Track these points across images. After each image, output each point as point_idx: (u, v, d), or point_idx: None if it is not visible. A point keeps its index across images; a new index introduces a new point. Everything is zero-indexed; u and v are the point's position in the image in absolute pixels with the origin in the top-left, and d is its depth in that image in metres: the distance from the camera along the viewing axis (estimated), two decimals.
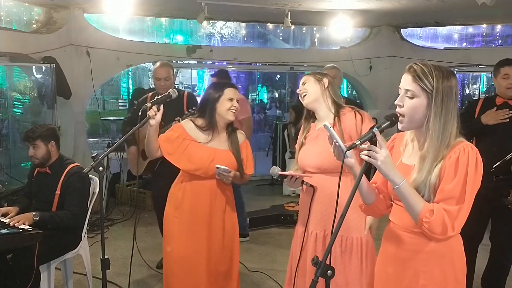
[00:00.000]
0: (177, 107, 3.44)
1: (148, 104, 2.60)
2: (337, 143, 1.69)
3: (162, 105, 2.56)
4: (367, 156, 1.57)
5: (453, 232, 1.58)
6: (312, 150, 2.41)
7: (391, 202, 1.83)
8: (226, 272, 2.76)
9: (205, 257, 2.69)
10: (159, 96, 2.67)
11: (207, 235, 2.70)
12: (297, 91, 2.48)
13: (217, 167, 2.55)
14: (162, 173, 3.93)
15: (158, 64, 3.87)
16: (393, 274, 1.78)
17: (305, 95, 2.44)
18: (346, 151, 1.62)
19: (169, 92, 2.61)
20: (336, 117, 2.40)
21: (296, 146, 2.60)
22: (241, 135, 2.78)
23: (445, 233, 1.57)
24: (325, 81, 2.43)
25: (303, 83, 2.47)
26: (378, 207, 1.84)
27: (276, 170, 2.35)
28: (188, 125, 2.70)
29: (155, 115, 2.51)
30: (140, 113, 2.58)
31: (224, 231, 2.74)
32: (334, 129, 2.32)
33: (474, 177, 1.58)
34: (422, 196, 1.61)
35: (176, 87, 4.10)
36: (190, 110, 2.98)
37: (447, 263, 1.68)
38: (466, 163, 1.58)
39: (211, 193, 2.70)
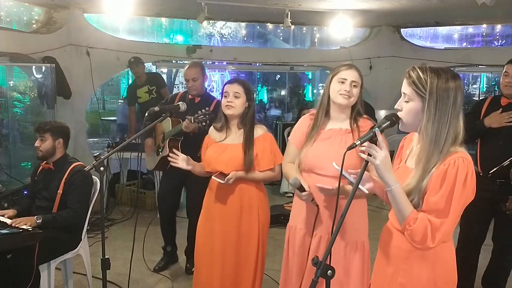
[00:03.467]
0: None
1: (156, 108, 2.63)
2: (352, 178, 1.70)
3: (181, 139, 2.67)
4: (367, 154, 1.58)
5: (433, 243, 1.56)
6: (325, 153, 2.29)
7: None
8: (238, 274, 2.73)
9: (220, 255, 2.70)
10: (170, 104, 2.72)
11: (221, 233, 2.71)
12: (344, 91, 2.27)
13: (212, 178, 2.60)
14: (172, 174, 3.90)
15: (187, 65, 3.78)
16: (381, 270, 1.79)
17: (350, 94, 2.29)
18: (346, 152, 1.62)
19: (178, 104, 2.67)
20: (354, 123, 2.33)
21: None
22: (258, 129, 2.69)
23: (424, 243, 1.57)
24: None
25: (354, 85, 2.29)
26: None
27: (298, 182, 2.19)
28: (211, 130, 2.80)
29: (176, 160, 2.66)
30: (146, 114, 2.61)
31: (240, 232, 2.71)
32: (353, 134, 2.28)
33: (462, 192, 1.54)
34: (412, 200, 1.60)
35: (209, 89, 4.07)
36: (202, 110, 2.97)
37: (426, 265, 1.66)
38: (454, 177, 1.53)
39: (226, 191, 2.70)
